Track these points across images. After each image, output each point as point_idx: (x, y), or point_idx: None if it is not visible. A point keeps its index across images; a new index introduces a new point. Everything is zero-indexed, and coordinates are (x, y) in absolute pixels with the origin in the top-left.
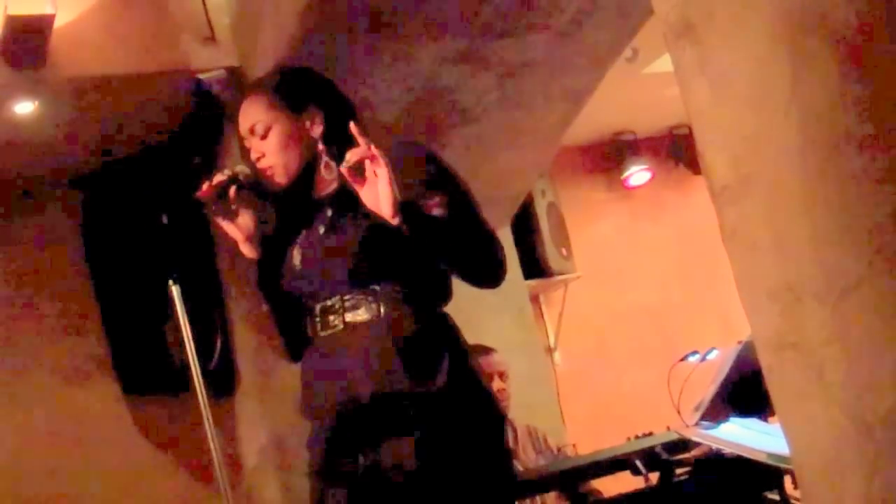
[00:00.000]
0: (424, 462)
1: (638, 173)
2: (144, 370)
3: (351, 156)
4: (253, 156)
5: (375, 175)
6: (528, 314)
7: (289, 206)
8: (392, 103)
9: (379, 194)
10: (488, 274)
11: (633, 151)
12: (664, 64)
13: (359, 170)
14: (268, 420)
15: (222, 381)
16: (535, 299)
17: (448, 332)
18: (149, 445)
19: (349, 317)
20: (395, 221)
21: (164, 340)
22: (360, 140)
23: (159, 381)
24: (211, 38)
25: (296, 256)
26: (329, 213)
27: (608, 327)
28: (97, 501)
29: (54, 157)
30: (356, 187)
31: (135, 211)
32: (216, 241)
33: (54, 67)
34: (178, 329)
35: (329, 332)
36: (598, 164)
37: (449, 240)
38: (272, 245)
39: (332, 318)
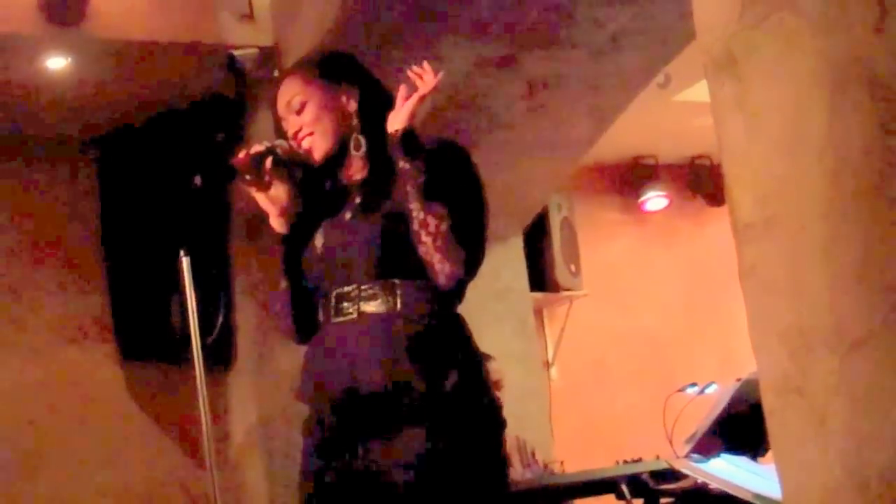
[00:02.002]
0: (422, 461)
1: (655, 199)
2: (143, 335)
3: (420, 71)
4: (290, 131)
5: (407, 98)
6: (529, 326)
7: (319, 187)
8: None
9: (401, 108)
10: (442, 268)
11: (652, 176)
12: (695, 93)
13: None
14: (259, 400)
15: (219, 354)
16: (538, 312)
17: (461, 335)
18: (140, 411)
19: (364, 306)
20: (393, 136)
21: (167, 309)
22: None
23: (157, 348)
24: (249, 16)
25: (319, 239)
26: (357, 199)
27: (608, 348)
28: (83, 459)
29: (79, 115)
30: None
31: (152, 176)
32: (230, 217)
33: (91, 27)
34: (182, 299)
35: (341, 319)
36: (616, 185)
37: (424, 199)
38: (299, 225)
39: (346, 304)
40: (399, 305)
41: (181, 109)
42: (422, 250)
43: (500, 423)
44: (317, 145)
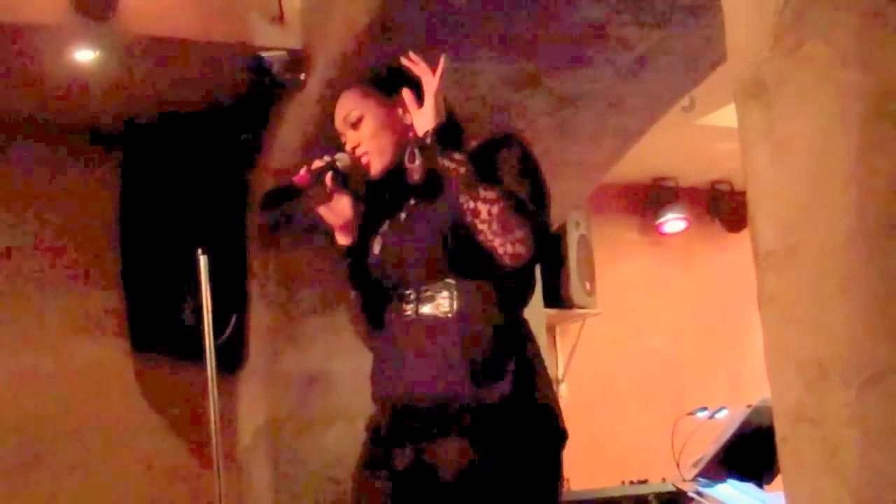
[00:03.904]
0: (462, 473)
1: (673, 221)
2: (156, 331)
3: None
4: (348, 146)
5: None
6: (541, 341)
7: (380, 197)
8: None
9: (423, 111)
10: (505, 250)
11: (671, 199)
12: (719, 118)
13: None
14: (268, 403)
15: (230, 357)
16: (550, 328)
17: (518, 339)
18: (149, 407)
19: (422, 309)
20: (425, 136)
21: (180, 306)
22: (416, 64)
23: (168, 344)
24: (279, 19)
25: (376, 244)
26: (412, 201)
27: (618, 368)
28: (89, 452)
29: (104, 108)
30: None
31: (174, 174)
32: (249, 218)
33: (120, 21)
34: (196, 297)
35: (401, 320)
36: (635, 206)
37: (473, 187)
38: (361, 233)
39: (405, 306)
40: (456, 308)
41: (207, 108)
42: (481, 239)
43: (558, 436)
44: (373, 163)
